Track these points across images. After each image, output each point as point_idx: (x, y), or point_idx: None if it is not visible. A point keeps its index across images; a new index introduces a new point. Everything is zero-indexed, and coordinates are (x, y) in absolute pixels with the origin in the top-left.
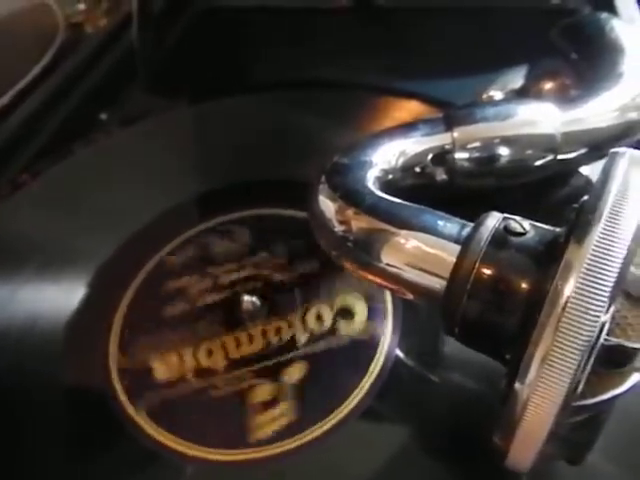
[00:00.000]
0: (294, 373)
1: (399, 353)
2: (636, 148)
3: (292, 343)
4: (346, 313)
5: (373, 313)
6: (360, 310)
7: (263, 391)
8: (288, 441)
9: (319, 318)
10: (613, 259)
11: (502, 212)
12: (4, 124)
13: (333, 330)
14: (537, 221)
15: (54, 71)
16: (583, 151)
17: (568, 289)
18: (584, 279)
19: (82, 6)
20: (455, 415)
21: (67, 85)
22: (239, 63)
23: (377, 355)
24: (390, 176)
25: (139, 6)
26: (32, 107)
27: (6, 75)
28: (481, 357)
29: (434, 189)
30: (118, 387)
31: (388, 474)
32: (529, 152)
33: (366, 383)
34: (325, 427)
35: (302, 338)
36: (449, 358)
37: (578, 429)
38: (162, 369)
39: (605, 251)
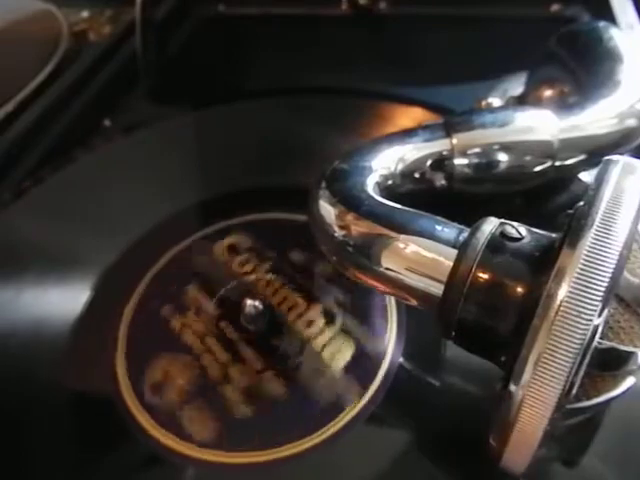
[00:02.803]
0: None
1: (403, 359)
2: (633, 155)
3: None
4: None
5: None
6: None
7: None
8: (292, 444)
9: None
10: (605, 264)
11: (502, 218)
12: (9, 131)
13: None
14: (538, 227)
15: (58, 78)
16: (581, 158)
17: (561, 293)
18: (576, 283)
19: (85, 14)
20: (459, 421)
21: (70, 92)
22: (240, 70)
23: (382, 361)
24: (390, 181)
25: (142, 14)
26: (36, 114)
27: (10, 82)
28: (485, 363)
29: (433, 195)
30: (124, 390)
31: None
32: (527, 158)
33: (371, 388)
34: (330, 432)
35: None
36: (453, 365)
37: (573, 431)
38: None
39: (597, 256)
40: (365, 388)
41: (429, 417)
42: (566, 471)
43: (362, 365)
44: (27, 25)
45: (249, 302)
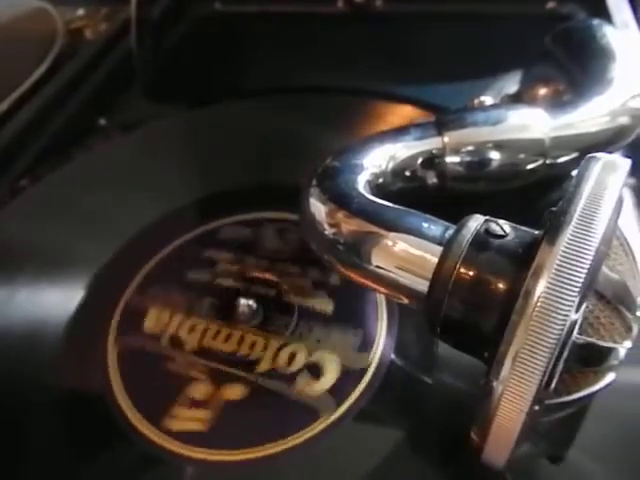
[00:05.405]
0: (232, 392)
1: (393, 355)
2: (626, 153)
3: (251, 368)
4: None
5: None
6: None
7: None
8: (283, 442)
9: (291, 358)
10: (583, 260)
11: (494, 216)
12: (4, 129)
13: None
14: (531, 226)
15: (53, 76)
16: (573, 155)
17: (539, 289)
18: (554, 279)
19: (81, 12)
20: (449, 417)
21: (66, 90)
22: (237, 69)
23: (371, 357)
24: (381, 180)
25: (138, 12)
26: (31, 112)
27: (6, 80)
28: (475, 360)
29: (425, 193)
30: (116, 389)
31: (382, 476)
32: (518, 156)
33: (361, 385)
34: (319, 428)
35: (263, 366)
36: (443, 361)
37: (556, 427)
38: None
39: (575, 252)
40: (355, 385)
41: (420, 414)
42: (553, 467)
43: (352, 362)
44: (23, 23)
45: (243, 301)
